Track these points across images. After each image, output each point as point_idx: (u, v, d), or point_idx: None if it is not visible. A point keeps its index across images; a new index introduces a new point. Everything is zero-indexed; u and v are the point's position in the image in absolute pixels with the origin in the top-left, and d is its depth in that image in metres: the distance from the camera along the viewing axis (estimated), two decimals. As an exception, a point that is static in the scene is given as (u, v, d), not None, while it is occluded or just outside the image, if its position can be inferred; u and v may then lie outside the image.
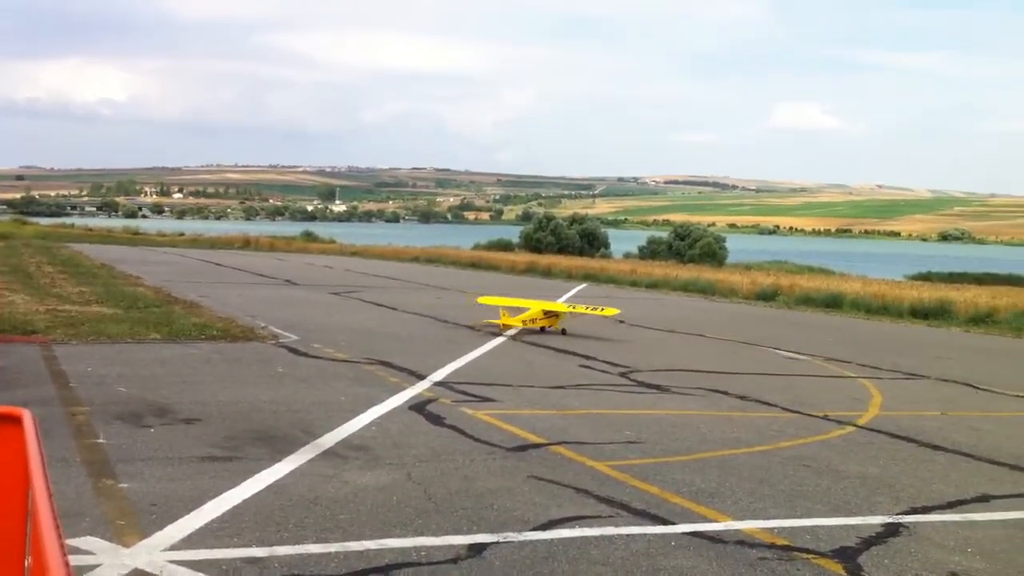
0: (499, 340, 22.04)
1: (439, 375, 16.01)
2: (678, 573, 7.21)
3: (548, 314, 25.15)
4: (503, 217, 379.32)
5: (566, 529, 8.05)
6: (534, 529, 8.00)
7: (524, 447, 11.03)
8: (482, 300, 26.62)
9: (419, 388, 14.65)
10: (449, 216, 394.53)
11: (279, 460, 9.72)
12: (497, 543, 7.58)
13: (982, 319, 32.16)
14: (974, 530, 8.69)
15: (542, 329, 24.57)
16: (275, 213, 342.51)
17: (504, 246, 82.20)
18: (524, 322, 24.87)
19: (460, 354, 18.76)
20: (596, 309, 25.61)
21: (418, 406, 13.20)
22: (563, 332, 24.58)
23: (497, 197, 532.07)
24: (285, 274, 43.57)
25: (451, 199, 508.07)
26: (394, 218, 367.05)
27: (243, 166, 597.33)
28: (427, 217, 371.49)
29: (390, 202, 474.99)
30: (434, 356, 18.21)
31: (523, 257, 65.81)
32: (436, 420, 12.32)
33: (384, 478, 9.33)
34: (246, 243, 75.05)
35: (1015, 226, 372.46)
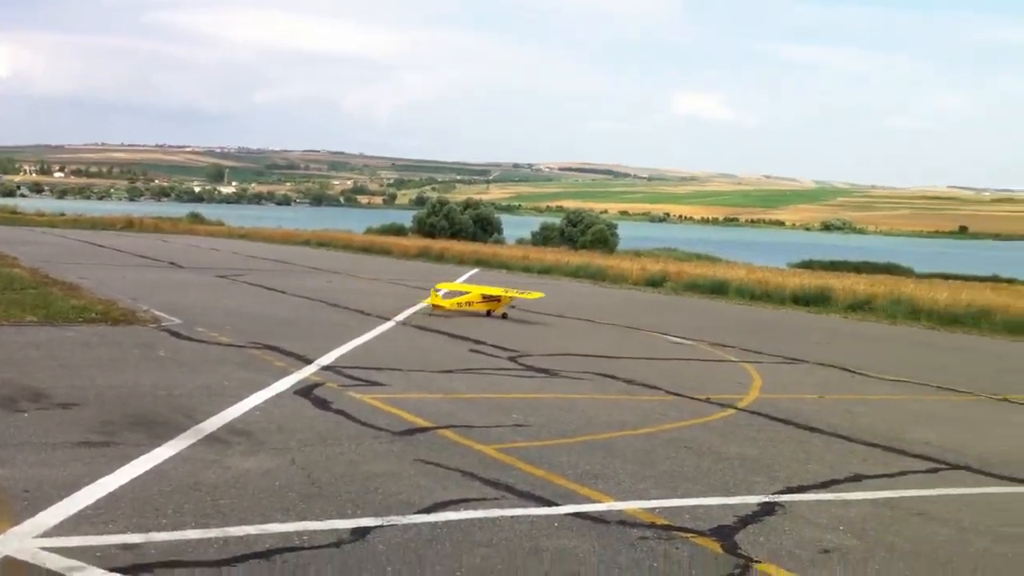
0: (390, 324, 21.93)
1: (327, 359, 15.85)
2: (559, 553, 7.29)
3: (488, 298, 25.53)
4: (397, 202, 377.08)
5: (451, 512, 8.06)
6: (419, 512, 7.99)
7: (411, 431, 11.00)
8: (441, 286, 27.00)
9: (306, 372, 14.48)
10: (342, 200, 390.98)
11: (159, 445, 9.50)
12: (381, 527, 7.55)
13: (860, 306, 33.25)
14: (846, 508, 8.99)
15: (488, 313, 25.06)
16: (161, 194, 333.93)
17: (397, 231, 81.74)
18: (460, 304, 25.28)
19: (349, 338, 18.61)
20: (524, 293, 26.28)
21: (304, 390, 13.05)
22: (504, 316, 25.02)
23: (391, 181, 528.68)
24: (170, 256, 42.58)
25: (344, 182, 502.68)
26: (285, 201, 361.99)
27: (129, 145, 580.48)
28: (319, 200, 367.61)
29: (283, 184, 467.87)
30: (322, 340, 18.03)
31: (416, 242, 65.60)
32: (322, 404, 12.20)
33: (267, 463, 9.20)
34: (129, 224, 73.03)
35: (894, 216, 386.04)
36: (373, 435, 10.66)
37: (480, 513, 8.07)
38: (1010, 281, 56.45)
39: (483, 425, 11.59)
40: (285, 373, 14.26)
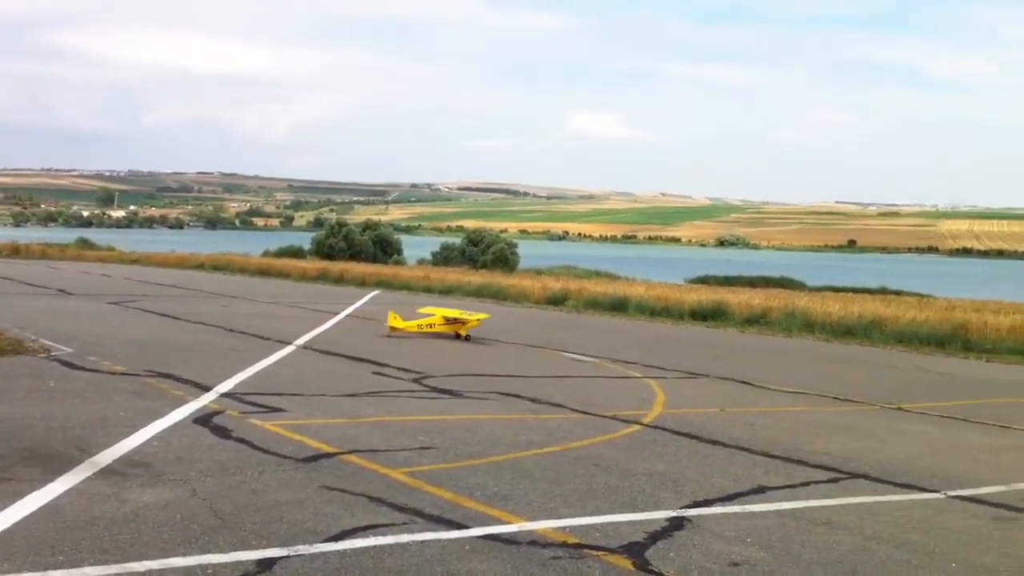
0: (290, 348, 21.58)
1: (226, 386, 15.49)
2: (472, 577, 7.20)
3: (450, 321, 25.73)
4: (294, 223, 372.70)
5: (359, 539, 7.91)
6: (326, 540, 7.82)
7: (315, 457, 10.79)
8: (423, 311, 27.28)
9: (204, 400, 14.12)
10: (237, 222, 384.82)
11: (52, 480, 9.13)
12: (288, 557, 7.37)
13: (756, 319, 33.92)
14: (753, 521, 9.09)
15: (456, 335, 25.41)
16: (48, 219, 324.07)
17: (295, 253, 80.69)
18: (421, 327, 25.65)
19: (249, 364, 18.23)
20: (474, 315, 26.82)
21: (203, 419, 12.71)
22: (467, 338, 25.27)
23: (288, 203, 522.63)
24: (59, 283, 41.27)
25: (240, 205, 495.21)
26: (178, 224, 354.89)
27: (13, 170, 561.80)
28: (214, 223, 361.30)
29: (175, 208, 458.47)
30: (221, 367, 17.63)
31: (315, 264, 64.82)
32: (222, 433, 11.90)
33: (167, 495, 8.91)
34: (15, 251, 70.67)
35: (785, 232, 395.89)
36: (276, 463, 10.43)
37: (389, 539, 7.93)
38: (898, 293, 58.25)
39: (389, 449, 11.44)
40: (182, 401, 13.88)
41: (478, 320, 26.36)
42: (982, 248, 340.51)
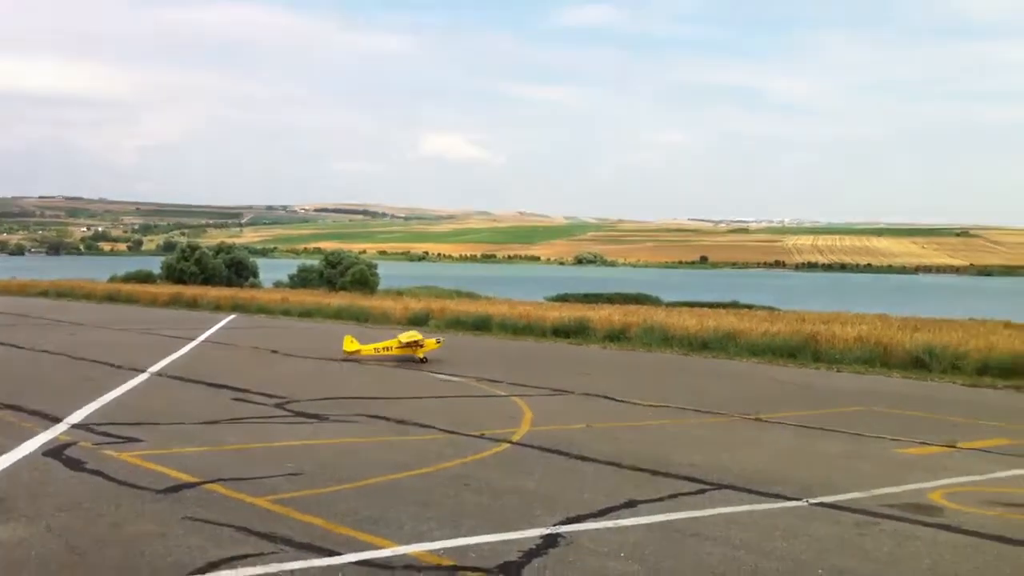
0: (144, 376, 20.83)
1: (77, 417, 14.82)
2: (346, 605, 7.02)
3: (407, 344, 25.76)
4: (143, 248, 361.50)
5: (227, 571, 7.63)
6: (192, 574, 7.51)
7: (176, 488, 10.40)
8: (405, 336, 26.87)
9: (55, 432, 13.48)
10: (82, 247, 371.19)
11: None
12: (151, 593, 7.05)
13: (617, 336, 34.43)
14: (625, 535, 9.15)
15: (422, 359, 25.40)
16: None
17: (144, 278, 78.19)
18: (377, 350, 25.86)
19: (101, 393, 17.51)
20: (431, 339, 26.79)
21: (54, 451, 12.12)
22: (424, 360, 25.35)
23: (136, 227, 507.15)
24: None
25: (84, 229, 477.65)
26: (19, 250, 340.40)
27: None
28: (57, 249, 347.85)
29: (16, 233, 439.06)
30: (70, 397, 16.87)
31: (166, 289, 63.00)
32: (76, 465, 11.36)
33: (20, 532, 8.43)
34: None
35: (640, 249, 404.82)
36: (135, 495, 10.00)
37: (258, 569, 7.68)
38: (749, 307, 60.15)
39: (254, 476, 11.12)
40: (31, 434, 13.22)
41: (438, 343, 26.45)
42: (825, 262, 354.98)
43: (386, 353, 25.93)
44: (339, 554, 8.18)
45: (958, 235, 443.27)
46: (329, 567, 7.85)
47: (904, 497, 11.16)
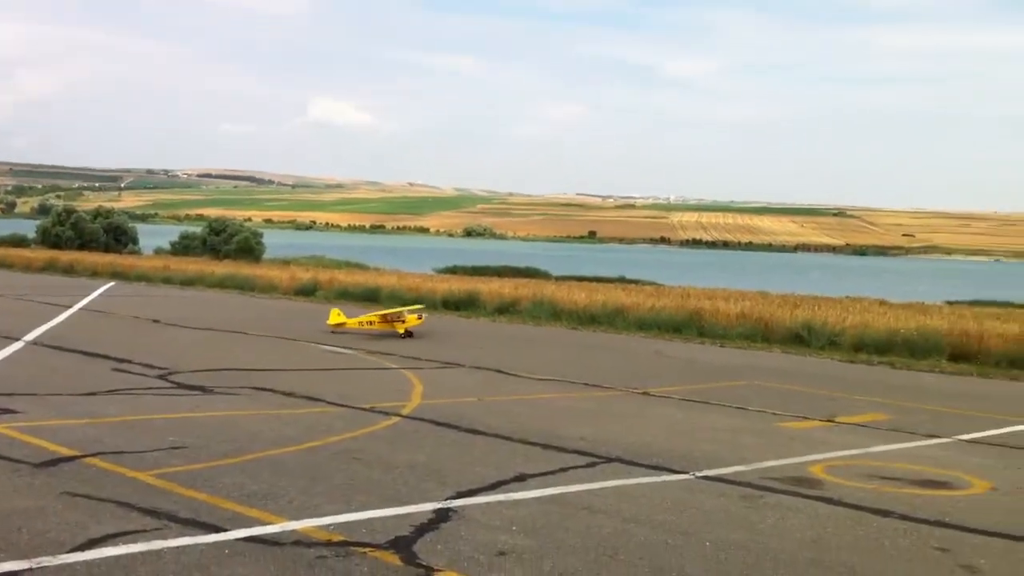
0: (18, 345, 20.06)
1: (-54, 386, 14.17)
2: (234, 583, 6.86)
3: (388, 319, 25.49)
4: (16, 211, 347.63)
5: (109, 547, 7.37)
6: (72, 551, 7.25)
7: (54, 461, 10.02)
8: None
9: (-78, 402, 12.85)
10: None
11: None
12: (31, 570, 6.78)
13: (507, 308, 34.52)
14: (516, 508, 9.16)
15: (406, 333, 25.19)
16: None
17: (18, 242, 75.21)
18: (361, 324, 25.57)
19: (-28, 362, 16.77)
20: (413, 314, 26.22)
21: (-79, 423, 11.55)
22: (408, 335, 25.16)
23: (9, 188, 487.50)
24: None
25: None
26: None
27: None
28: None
29: None
30: (-61, 365, 16.12)
31: (41, 254, 60.75)
32: (-55, 438, 10.85)
33: None
34: None
35: (530, 222, 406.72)
36: (11, 468, 9.61)
37: (141, 546, 7.45)
38: (636, 281, 60.87)
39: (136, 450, 10.79)
40: None
41: (419, 318, 25.96)
42: (709, 239, 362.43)
43: (369, 328, 25.62)
44: (225, 530, 7.99)
45: (835, 215, 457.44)
46: (215, 544, 7.66)
47: (787, 470, 11.45)
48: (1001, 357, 24.73)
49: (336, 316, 25.90)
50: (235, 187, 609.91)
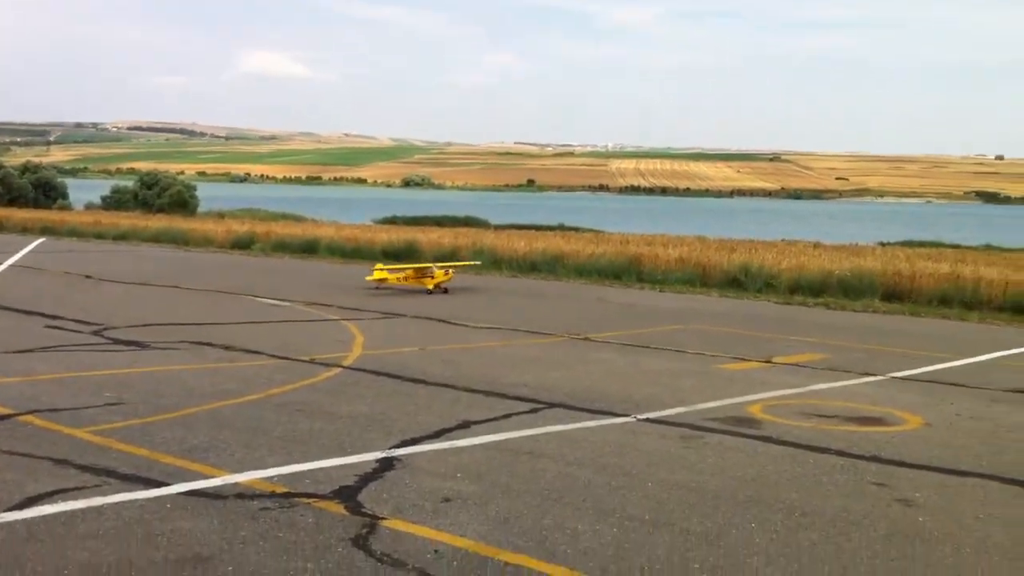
0: (-54, 303, 19.56)
1: None
2: (177, 536, 6.80)
3: (419, 274, 25.00)
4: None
5: (48, 505, 7.26)
6: (10, 510, 7.12)
7: (-13, 420, 9.82)
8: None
9: None
10: None
11: None
12: (-36, 532, 6.64)
13: (447, 258, 34.40)
14: (460, 456, 9.19)
15: (438, 287, 24.56)
16: None
17: (-56, 198, 73.16)
18: (399, 279, 25.05)
19: (-102, 322, 16.34)
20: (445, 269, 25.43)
21: None
22: (444, 291, 24.59)
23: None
24: None
25: None
26: None
27: None
28: None
29: None
30: None
31: (-32, 210, 59.15)
32: None
33: None
34: None
35: (468, 172, 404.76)
36: (-59, 429, 9.39)
37: (81, 503, 7.35)
38: (575, 229, 60.97)
39: (72, 407, 10.62)
40: None
41: (446, 274, 25.01)
42: (648, 185, 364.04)
43: (404, 283, 25.09)
44: (166, 485, 7.91)
45: (770, 160, 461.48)
46: (157, 498, 7.58)
47: (726, 411, 11.61)
48: (932, 296, 25.27)
49: (379, 272, 25.38)
50: (167, 140, 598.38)
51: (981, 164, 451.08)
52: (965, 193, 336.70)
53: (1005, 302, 24.19)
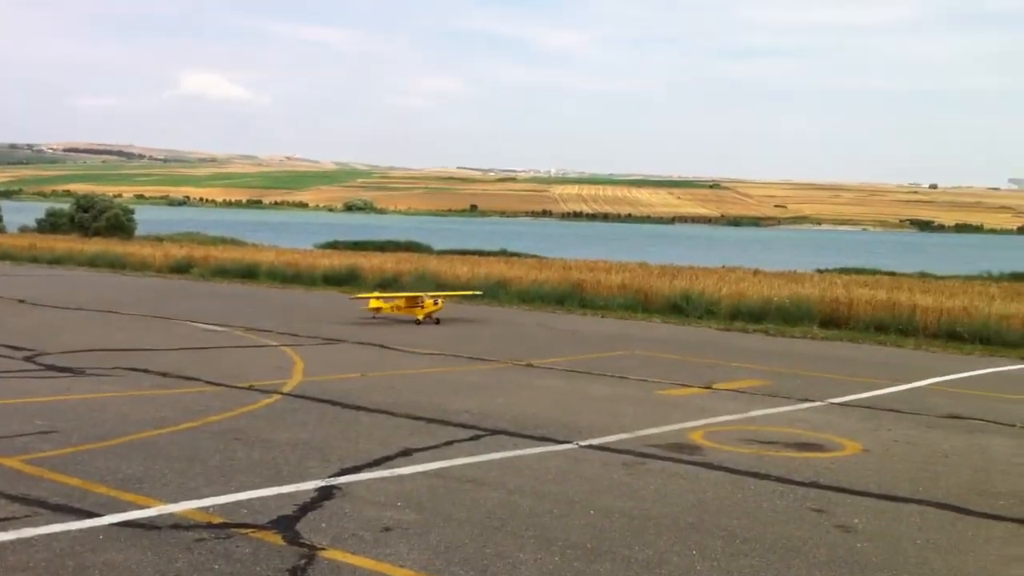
0: None
1: None
2: (109, 568, 6.63)
3: (410, 304, 24.27)
4: None
5: (-27, 538, 7.04)
6: (-68, 544, 6.90)
7: (-88, 450, 9.53)
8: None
9: None
10: None
11: None
12: None
13: (389, 283, 34.26)
14: (402, 484, 9.09)
15: (428, 318, 23.84)
16: None
17: None
18: (392, 309, 24.34)
19: None
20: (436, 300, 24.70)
21: None
22: (422, 321, 23.78)
23: None
24: None
25: None
26: None
27: None
28: None
29: None
30: None
31: (-103, 233, 57.74)
32: None
33: None
34: None
35: (411, 196, 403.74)
36: None
37: (11, 535, 7.14)
38: (518, 255, 61.09)
39: (2, 435, 10.38)
40: None
41: (435, 304, 24.28)
42: (590, 211, 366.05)
43: (397, 312, 24.38)
44: (99, 515, 7.72)
45: (711, 187, 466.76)
46: (89, 530, 7.39)
47: (667, 437, 11.64)
48: (869, 322, 25.66)
49: (375, 302, 24.85)
50: (103, 162, 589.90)
51: (915, 192, 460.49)
52: (900, 221, 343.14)
53: (940, 329, 24.63)
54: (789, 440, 11.82)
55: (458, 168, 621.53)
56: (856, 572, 7.20)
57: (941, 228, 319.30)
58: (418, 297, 24.81)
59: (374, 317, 24.50)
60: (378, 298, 25.50)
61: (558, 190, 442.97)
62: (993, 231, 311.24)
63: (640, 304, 29.18)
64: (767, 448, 11.31)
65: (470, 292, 29.45)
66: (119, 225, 69.58)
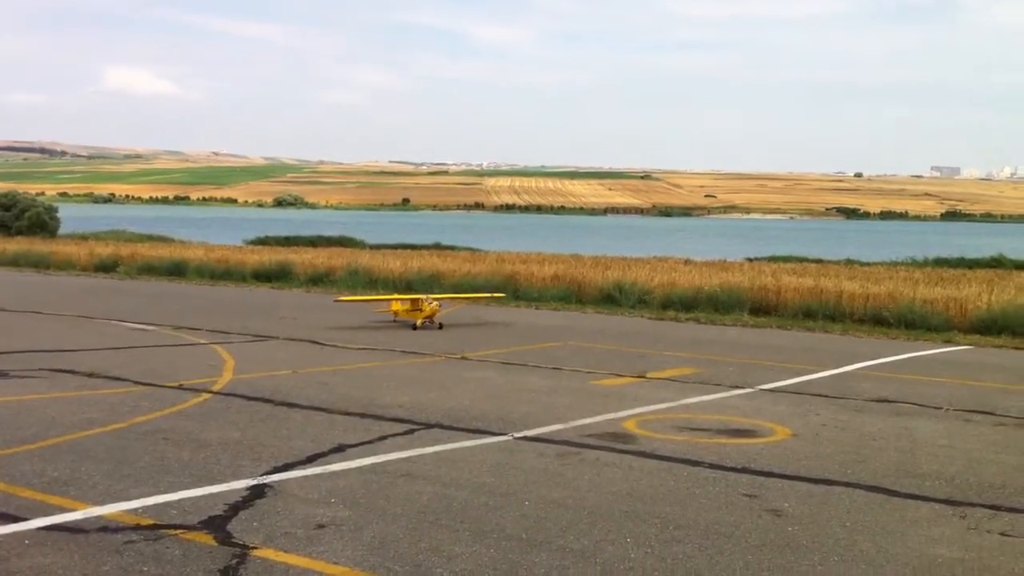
0: None
1: None
2: (36, 572, 6.50)
3: (413, 307, 22.76)
4: None
5: None
6: None
7: None
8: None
9: None
10: None
11: None
12: None
13: (320, 279, 34.01)
14: (335, 480, 9.02)
15: (428, 322, 22.36)
16: None
17: None
18: (404, 311, 22.80)
19: None
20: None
21: None
22: (439, 327, 22.26)
23: None
24: None
25: None
26: None
27: None
28: None
29: None
30: None
31: None
32: None
33: None
34: None
35: (342, 191, 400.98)
36: None
37: (-71, 544, 6.93)
38: (451, 248, 60.95)
39: (-79, 441, 10.05)
40: None
41: (431, 306, 22.48)
42: (522, 203, 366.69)
43: (406, 315, 22.67)
44: (25, 520, 7.56)
45: (642, 178, 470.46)
46: (14, 534, 7.23)
47: (602, 427, 11.70)
48: (797, 309, 26.08)
49: (396, 304, 23.16)
50: (25, 159, 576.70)
51: (841, 181, 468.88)
52: (827, 209, 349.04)
53: (866, 314, 25.11)
54: (721, 427, 11.96)
55: (391, 162, 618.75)
56: (787, 555, 7.31)
57: (866, 215, 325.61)
58: (418, 299, 23.19)
59: (394, 320, 22.93)
60: (396, 299, 23.82)
61: (490, 183, 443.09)
62: (917, 218, 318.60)
63: (573, 295, 29.32)
64: (699, 435, 11.43)
65: (491, 295, 27.52)
66: (42, 224, 68.02)
